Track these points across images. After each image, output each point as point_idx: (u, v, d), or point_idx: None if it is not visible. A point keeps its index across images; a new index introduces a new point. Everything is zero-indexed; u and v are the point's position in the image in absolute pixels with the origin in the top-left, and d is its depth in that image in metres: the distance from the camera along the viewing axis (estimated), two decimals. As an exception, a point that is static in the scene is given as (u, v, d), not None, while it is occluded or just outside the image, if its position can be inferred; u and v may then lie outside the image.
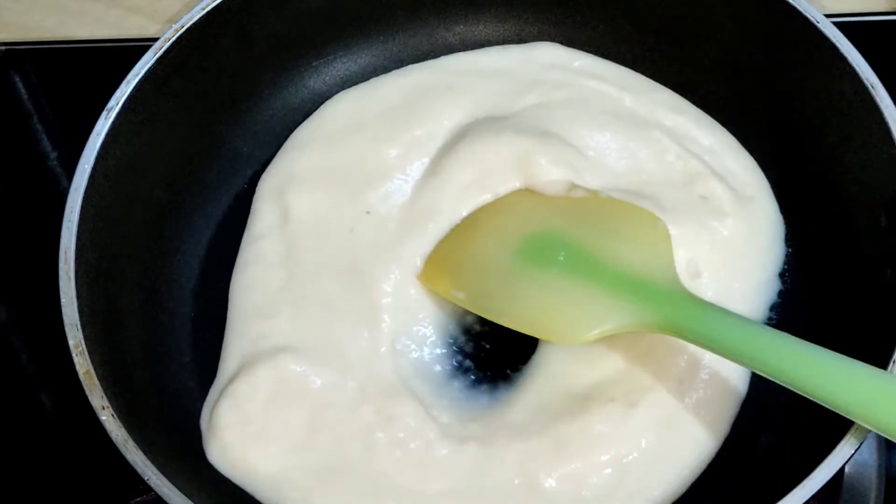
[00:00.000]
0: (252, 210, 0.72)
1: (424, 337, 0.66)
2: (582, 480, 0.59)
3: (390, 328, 0.66)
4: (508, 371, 0.66)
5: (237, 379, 0.63)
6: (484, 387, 0.65)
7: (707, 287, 0.65)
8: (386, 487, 0.60)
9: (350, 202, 0.70)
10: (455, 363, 0.66)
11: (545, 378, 0.64)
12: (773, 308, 0.67)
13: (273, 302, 0.67)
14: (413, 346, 0.66)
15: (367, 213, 0.70)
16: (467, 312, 0.67)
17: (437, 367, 0.66)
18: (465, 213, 0.69)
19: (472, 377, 0.66)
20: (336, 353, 0.65)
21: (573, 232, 0.65)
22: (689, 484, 0.60)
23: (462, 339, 0.67)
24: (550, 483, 0.59)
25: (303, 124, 0.76)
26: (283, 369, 0.63)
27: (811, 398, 0.52)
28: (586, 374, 0.63)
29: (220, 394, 0.63)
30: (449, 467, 0.61)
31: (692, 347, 0.61)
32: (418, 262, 0.68)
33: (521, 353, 0.66)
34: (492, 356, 0.67)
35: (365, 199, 0.70)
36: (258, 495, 0.61)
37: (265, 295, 0.67)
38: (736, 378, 0.63)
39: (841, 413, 0.51)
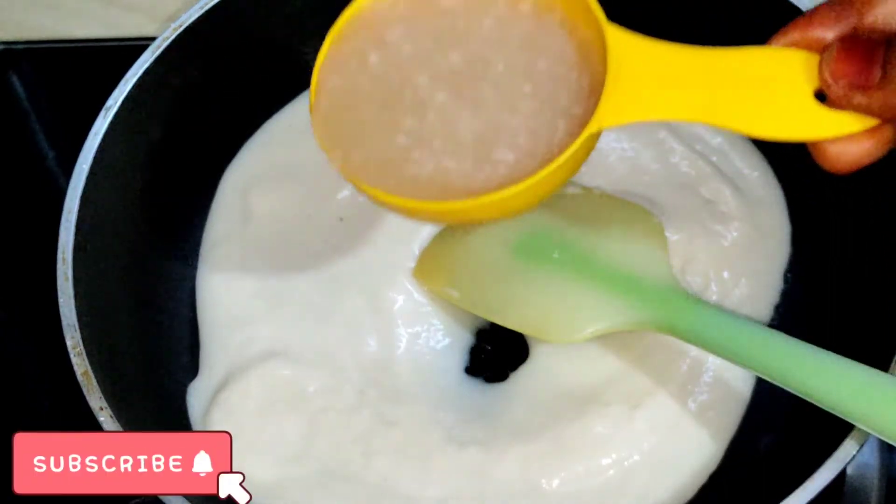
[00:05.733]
0: (212, 210, 0.71)
1: (434, 339, 0.66)
2: (583, 483, 0.59)
3: (401, 332, 0.65)
4: (508, 371, 0.65)
5: (226, 388, 0.63)
6: (484, 387, 0.65)
7: (712, 292, 0.64)
8: (386, 493, 0.60)
9: (322, 202, 0.69)
10: (458, 363, 0.66)
11: (545, 378, 0.64)
12: (773, 308, 0.66)
13: (248, 308, 0.66)
14: (425, 349, 0.65)
15: (341, 219, 0.68)
16: (470, 312, 0.66)
17: (443, 369, 0.65)
18: None
19: (473, 377, 0.66)
20: (330, 357, 0.64)
21: (567, 229, 0.64)
22: (695, 489, 0.60)
23: (464, 338, 0.67)
24: (552, 486, 0.59)
25: (276, 115, 0.74)
26: (274, 374, 0.63)
27: (810, 400, 0.51)
28: (586, 375, 0.63)
29: (211, 404, 0.63)
30: (449, 471, 0.60)
31: (695, 350, 0.61)
32: (414, 261, 0.67)
33: (522, 353, 0.66)
34: (492, 356, 0.67)
35: (338, 200, 0.69)
36: None
37: (237, 301, 0.66)
38: (741, 381, 0.62)
39: (840, 416, 0.51)
